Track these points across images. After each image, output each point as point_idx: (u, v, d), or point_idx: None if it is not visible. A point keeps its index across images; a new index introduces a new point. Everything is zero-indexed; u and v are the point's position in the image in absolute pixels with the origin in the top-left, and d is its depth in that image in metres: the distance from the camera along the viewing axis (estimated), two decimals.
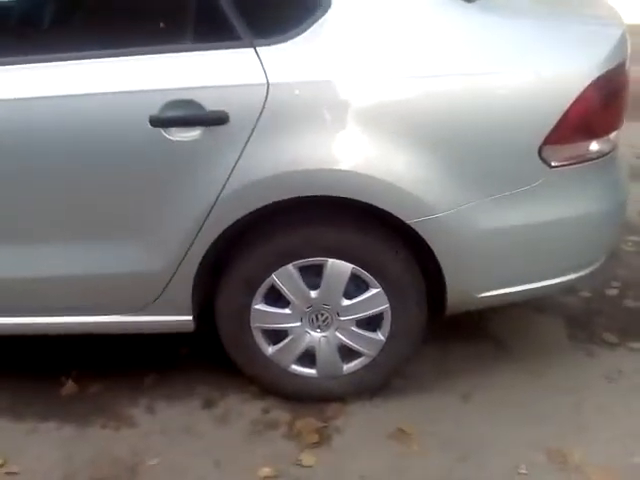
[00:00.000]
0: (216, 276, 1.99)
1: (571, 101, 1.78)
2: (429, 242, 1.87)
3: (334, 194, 1.81)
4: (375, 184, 1.79)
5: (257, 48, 1.75)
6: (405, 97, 1.78)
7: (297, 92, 1.75)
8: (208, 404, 2.17)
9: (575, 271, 2.06)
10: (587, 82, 1.78)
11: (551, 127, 1.79)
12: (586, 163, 1.87)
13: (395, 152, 1.78)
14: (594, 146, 1.88)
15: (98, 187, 1.83)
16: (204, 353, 2.31)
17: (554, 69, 1.81)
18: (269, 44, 1.75)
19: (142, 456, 1.97)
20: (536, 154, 1.82)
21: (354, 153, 1.78)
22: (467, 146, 1.81)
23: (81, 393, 2.23)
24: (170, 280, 1.93)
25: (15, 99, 1.77)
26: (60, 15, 1.86)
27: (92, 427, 2.09)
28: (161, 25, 1.79)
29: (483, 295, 1.99)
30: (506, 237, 1.91)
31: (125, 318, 2.03)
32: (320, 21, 1.76)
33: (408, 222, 1.84)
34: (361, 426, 2.08)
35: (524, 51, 1.83)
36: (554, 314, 2.58)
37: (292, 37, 1.76)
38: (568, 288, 2.46)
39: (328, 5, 1.75)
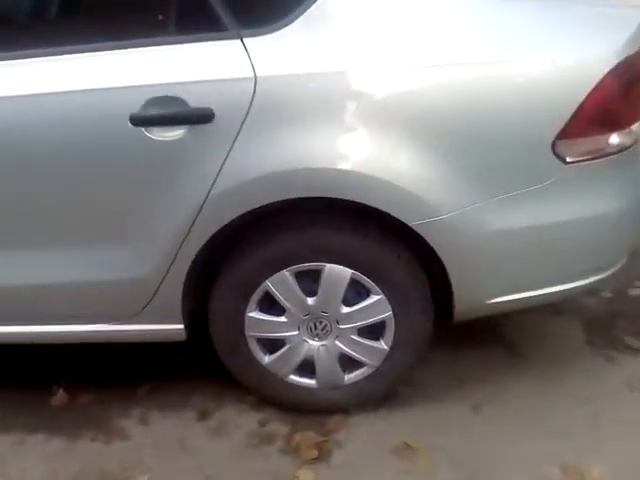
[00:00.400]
0: (208, 283, 1.88)
1: (588, 90, 1.63)
2: (433, 245, 1.74)
3: (329, 195, 1.68)
4: (373, 184, 1.65)
5: (244, 39, 1.62)
6: (407, 90, 1.64)
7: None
8: (203, 416, 2.07)
9: (594, 274, 1.91)
10: (606, 69, 1.62)
11: (566, 120, 1.64)
12: (605, 158, 1.72)
13: (395, 149, 1.64)
14: (614, 139, 1.72)
15: (78, 190, 1.72)
16: (201, 361, 2.20)
17: (570, 56, 1.66)
18: (257, 35, 1.62)
19: (132, 471, 1.87)
20: (549, 149, 1.67)
21: (350, 151, 1.65)
22: (474, 142, 1.67)
23: (72, 403, 2.13)
24: (158, 287, 1.82)
25: None
26: (34, 10, 1.74)
27: (81, 440, 1.99)
28: (150, 17, 1.65)
29: (493, 301, 1.85)
30: (517, 239, 1.77)
31: (114, 327, 1.92)
32: (312, 8, 1.63)
33: (410, 224, 1.70)
34: (364, 440, 1.96)
35: (537, 37, 1.68)
36: (572, 317, 2.43)
37: (282, 27, 1.62)
38: (588, 291, 2.30)
39: None
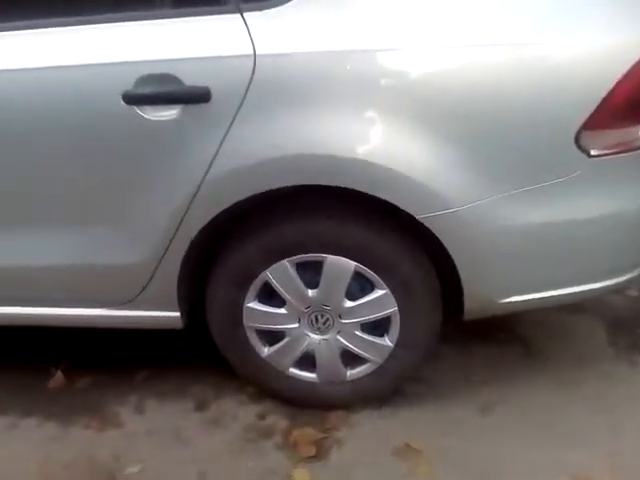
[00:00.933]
0: (206, 271, 1.80)
1: (619, 77, 1.48)
2: (443, 240, 1.62)
3: (330, 183, 1.57)
4: (378, 173, 1.54)
5: (244, 14, 1.51)
6: (420, 73, 1.51)
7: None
8: (201, 406, 2.00)
9: (617, 275, 1.77)
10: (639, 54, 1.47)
11: (592, 109, 1.50)
12: (633, 152, 1.57)
13: (404, 136, 1.52)
14: None
15: (69, 168, 1.64)
16: (203, 347, 2.13)
17: (601, 37, 1.51)
18: (258, 9, 1.51)
19: (123, 462, 1.82)
20: (572, 141, 1.53)
21: (355, 137, 1.53)
22: (491, 130, 1.53)
23: (69, 386, 2.09)
24: (154, 273, 1.74)
25: None
26: None
27: (75, 426, 1.95)
28: None
29: (506, 300, 1.73)
30: (533, 236, 1.64)
31: (111, 312, 1.86)
32: None
33: (418, 217, 1.59)
34: (365, 439, 1.87)
35: (569, 17, 1.53)
36: (594, 315, 2.29)
37: (286, 1, 1.50)
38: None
39: None
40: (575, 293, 1.77)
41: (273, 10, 1.51)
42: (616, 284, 1.78)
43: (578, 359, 2.11)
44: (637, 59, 1.47)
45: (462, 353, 2.16)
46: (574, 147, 1.54)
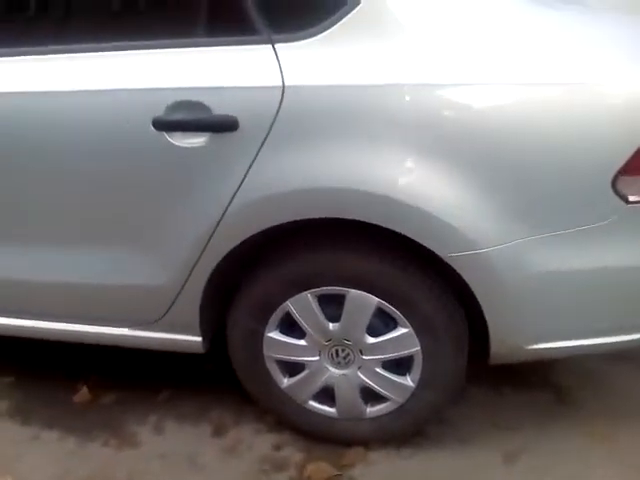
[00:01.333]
0: (228, 298, 1.79)
1: None
2: (468, 281, 1.57)
3: (356, 218, 1.55)
4: (405, 210, 1.50)
5: (275, 45, 1.51)
6: (456, 110, 1.47)
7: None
8: (218, 431, 1.99)
9: None
10: None
11: (631, 152, 1.43)
12: None
13: (433, 173, 1.48)
14: None
15: (95, 191, 1.66)
16: (229, 371, 2.12)
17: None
18: (289, 40, 1.50)
19: None
20: (609, 186, 1.46)
21: (382, 172, 1.50)
22: (524, 170, 1.48)
23: (93, 402, 2.12)
24: (176, 298, 1.75)
25: (3, 93, 1.63)
26: (57, 3, 1.69)
27: (94, 443, 1.96)
28: (179, 18, 1.57)
29: (534, 347, 1.66)
30: (565, 283, 1.57)
31: (135, 332, 1.87)
32: (353, 13, 1.49)
33: (442, 256, 1.55)
34: (380, 479, 1.82)
35: (615, 56, 1.48)
36: (630, 364, 2.17)
37: (318, 33, 1.49)
38: None
39: None
40: (611, 343, 1.69)
41: (305, 42, 1.50)
42: None
43: (615, 412, 2.00)
44: None
45: (491, 396, 2.08)
46: (611, 192, 1.47)
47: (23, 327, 1.93)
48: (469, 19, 1.50)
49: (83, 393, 2.13)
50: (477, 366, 1.80)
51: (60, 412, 2.07)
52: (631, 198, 1.48)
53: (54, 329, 1.92)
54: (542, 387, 2.11)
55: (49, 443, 1.97)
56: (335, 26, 1.49)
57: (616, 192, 1.47)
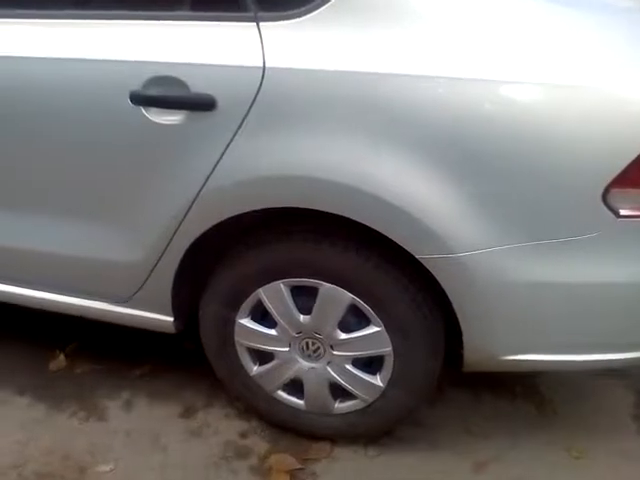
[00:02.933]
0: (201, 281, 1.75)
1: None
2: (443, 285, 1.51)
3: (330, 211, 1.49)
4: (381, 206, 1.43)
5: (260, 24, 1.44)
6: (442, 104, 1.38)
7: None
8: (187, 413, 1.97)
9: None
10: None
11: (624, 164, 1.34)
12: None
13: (414, 171, 1.41)
14: None
15: (73, 161, 1.62)
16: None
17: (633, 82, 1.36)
18: (275, 19, 1.43)
19: (97, 458, 1.81)
20: (599, 198, 1.38)
21: (360, 165, 1.43)
22: (512, 173, 1.39)
23: (68, 371, 2.11)
24: (149, 275, 1.71)
25: None
26: None
27: (62, 413, 1.96)
28: None
29: (509, 358, 1.60)
30: (546, 294, 1.49)
31: (109, 307, 1.85)
32: None
33: (418, 257, 1.48)
34: (342, 476, 1.78)
35: (616, 59, 1.39)
36: (623, 382, 2.09)
37: (304, 13, 1.42)
38: None
39: None
40: (594, 361, 1.61)
41: (291, 22, 1.43)
42: None
43: (594, 428, 1.93)
44: None
45: (470, 402, 2.02)
46: (601, 205, 1.39)
47: (3, 292, 1.92)
48: (466, 9, 1.42)
49: (59, 360, 2.13)
50: (460, 371, 1.74)
51: (34, 378, 2.07)
52: (622, 212, 1.39)
53: (30, 296, 1.90)
54: (525, 397, 2.04)
55: (18, 409, 1.97)
56: (323, 7, 1.41)
57: (606, 205, 1.38)
